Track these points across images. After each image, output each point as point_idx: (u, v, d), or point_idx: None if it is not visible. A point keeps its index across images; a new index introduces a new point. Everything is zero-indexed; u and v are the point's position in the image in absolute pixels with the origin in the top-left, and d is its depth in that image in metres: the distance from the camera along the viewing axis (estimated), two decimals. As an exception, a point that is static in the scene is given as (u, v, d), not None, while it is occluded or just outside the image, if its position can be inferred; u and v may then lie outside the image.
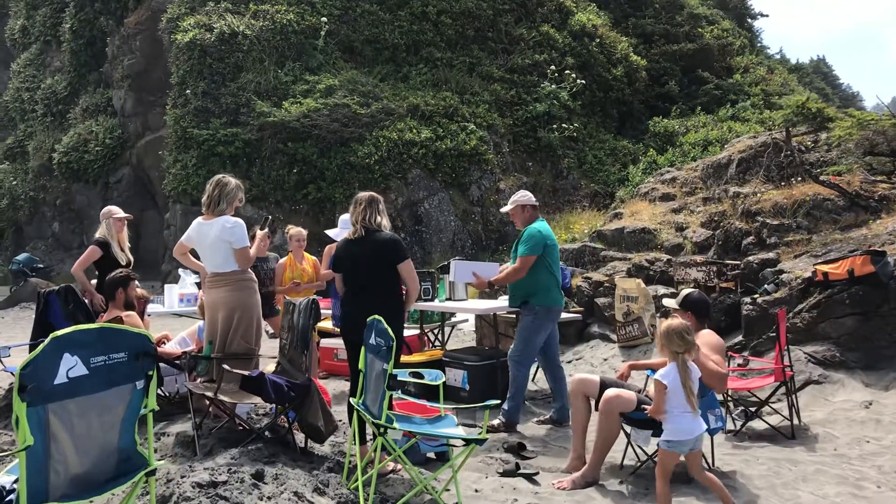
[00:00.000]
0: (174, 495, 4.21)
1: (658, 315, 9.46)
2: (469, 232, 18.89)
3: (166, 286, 10.53)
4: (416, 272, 6.14)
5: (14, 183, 27.32)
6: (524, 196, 6.98)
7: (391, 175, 18.29)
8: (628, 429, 5.46)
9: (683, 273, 9.49)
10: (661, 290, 9.85)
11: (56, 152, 24.58)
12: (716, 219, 10.74)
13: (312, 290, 8.34)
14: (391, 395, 4.62)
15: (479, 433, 4.68)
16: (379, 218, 5.74)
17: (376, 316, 4.84)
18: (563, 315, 8.92)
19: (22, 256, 24.07)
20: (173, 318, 11.34)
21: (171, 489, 4.28)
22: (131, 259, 7.74)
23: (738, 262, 9.25)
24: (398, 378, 5.17)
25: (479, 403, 5.31)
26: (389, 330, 4.58)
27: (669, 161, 19.17)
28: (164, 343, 6.99)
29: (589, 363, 9.41)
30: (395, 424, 4.51)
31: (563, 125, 21.64)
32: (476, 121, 19.98)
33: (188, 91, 19.50)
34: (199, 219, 6.09)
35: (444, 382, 5.14)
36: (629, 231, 11.51)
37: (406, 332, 9.88)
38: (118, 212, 7.78)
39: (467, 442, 4.66)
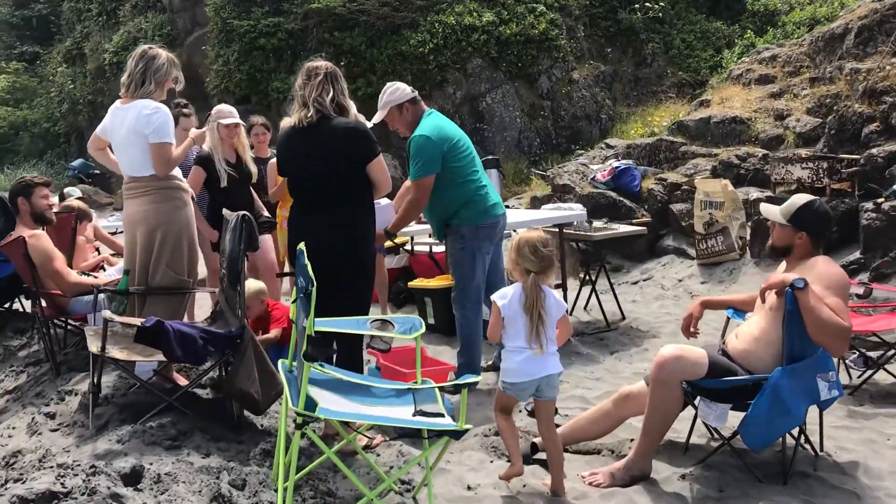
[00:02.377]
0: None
1: (749, 224, 7.57)
2: (537, 129, 16.95)
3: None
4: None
5: (72, 87, 26.58)
6: (395, 92, 4.86)
7: (448, 66, 16.36)
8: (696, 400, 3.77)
9: (784, 172, 7.52)
10: (754, 192, 7.93)
11: (107, 52, 23.50)
12: (827, 102, 8.60)
13: None
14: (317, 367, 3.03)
15: (458, 423, 3.07)
16: (341, 100, 4.09)
17: (301, 245, 3.23)
18: (629, 228, 7.12)
19: (77, 162, 23.38)
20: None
21: (-23, 509, 2.85)
22: (252, 172, 6.07)
23: (857, 157, 7.22)
24: (360, 331, 3.59)
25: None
26: (309, 268, 2.97)
27: (769, 44, 16.67)
28: (103, 269, 5.57)
29: (659, 284, 7.65)
30: (319, 412, 2.94)
31: (647, 4, 19.07)
32: (546, 1, 17.69)
33: (228, -23, 17.86)
34: (117, 103, 4.54)
35: (420, 334, 3.54)
36: (717, 121, 9.50)
37: (436, 249, 8.32)
38: (227, 114, 5.94)
39: (440, 433, 3.09)
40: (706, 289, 7.27)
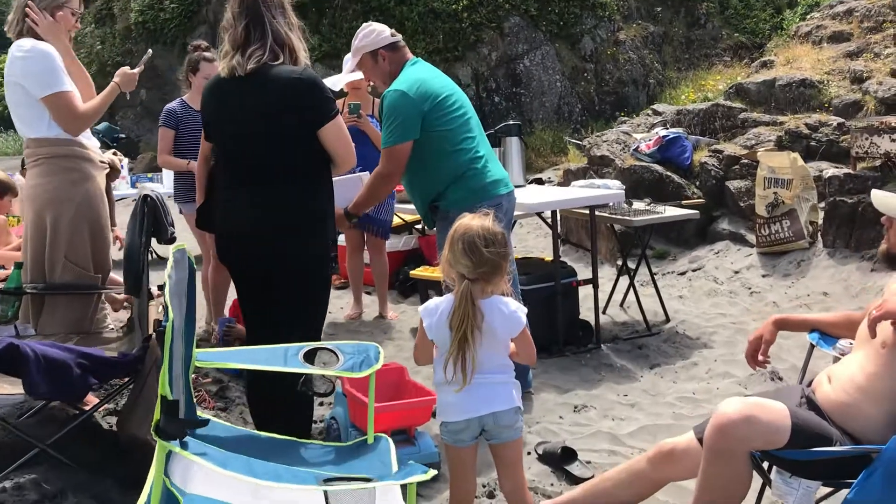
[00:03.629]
0: None
1: (822, 207, 6.36)
2: (579, 94, 15.88)
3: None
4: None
5: (101, 48, 25.96)
6: (368, 36, 3.81)
7: (483, 24, 15.38)
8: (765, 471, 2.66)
9: (867, 144, 6.27)
10: (829, 168, 6.70)
11: (133, 11, 22.90)
12: (919, 62, 7.31)
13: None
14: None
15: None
16: (288, 40, 3.00)
17: (181, 244, 2.17)
18: (677, 211, 5.94)
19: (101, 126, 22.58)
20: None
21: None
22: None
23: (961, 127, 5.95)
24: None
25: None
26: (167, 295, 1.91)
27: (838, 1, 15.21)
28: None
29: (712, 277, 6.47)
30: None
31: (703, -40, 17.76)
32: (592, -45, 16.49)
33: (251, -70, 16.87)
34: None
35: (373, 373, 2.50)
36: (783, 84, 8.24)
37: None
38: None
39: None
40: (768, 283, 6.10)
